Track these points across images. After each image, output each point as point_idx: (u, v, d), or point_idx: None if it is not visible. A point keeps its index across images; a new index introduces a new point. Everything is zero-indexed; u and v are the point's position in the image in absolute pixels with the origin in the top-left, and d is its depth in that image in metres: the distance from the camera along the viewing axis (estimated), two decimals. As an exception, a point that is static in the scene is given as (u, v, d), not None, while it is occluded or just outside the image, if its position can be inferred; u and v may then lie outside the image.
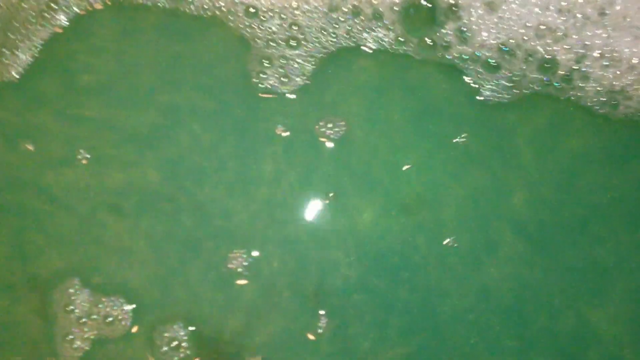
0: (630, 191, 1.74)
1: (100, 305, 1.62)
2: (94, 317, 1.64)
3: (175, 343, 1.66)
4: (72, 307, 1.63)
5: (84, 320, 1.63)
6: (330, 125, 1.75)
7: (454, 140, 1.75)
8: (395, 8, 1.78)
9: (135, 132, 1.74)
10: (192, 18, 1.79)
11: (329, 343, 1.69)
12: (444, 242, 1.72)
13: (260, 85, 1.75)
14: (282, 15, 1.79)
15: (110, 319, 1.62)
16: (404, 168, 1.72)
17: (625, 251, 1.73)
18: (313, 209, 1.73)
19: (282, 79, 1.77)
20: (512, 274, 1.72)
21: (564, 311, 1.71)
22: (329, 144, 1.74)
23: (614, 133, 1.77)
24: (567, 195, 1.75)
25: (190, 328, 1.68)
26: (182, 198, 1.72)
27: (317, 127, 1.75)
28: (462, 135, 1.73)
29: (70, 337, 1.64)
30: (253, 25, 1.79)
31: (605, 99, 1.75)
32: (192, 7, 1.80)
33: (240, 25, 1.79)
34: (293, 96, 1.76)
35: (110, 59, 1.77)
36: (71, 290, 1.64)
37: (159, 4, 1.79)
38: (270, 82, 1.77)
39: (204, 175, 1.75)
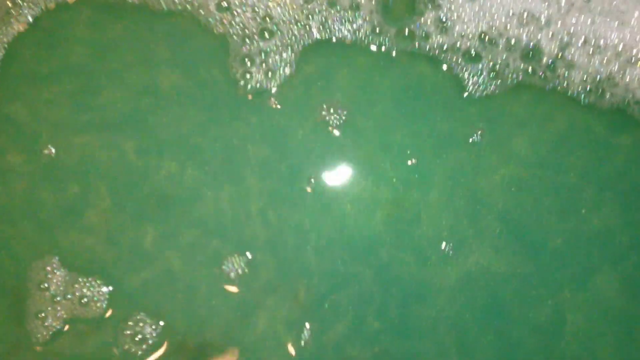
0: (616, 180, 1.71)
1: (76, 286, 1.59)
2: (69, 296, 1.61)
3: (140, 336, 1.62)
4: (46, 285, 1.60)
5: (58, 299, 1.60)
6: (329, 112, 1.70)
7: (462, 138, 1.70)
8: (374, -1, 1.73)
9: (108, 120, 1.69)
10: (163, 14, 1.71)
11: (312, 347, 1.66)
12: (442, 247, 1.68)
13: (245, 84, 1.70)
14: (255, 9, 1.73)
15: (85, 299, 1.59)
16: (409, 163, 1.68)
17: (610, 242, 1.70)
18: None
19: (268, 73, 1.71)
20: (495, 260, 1.68)
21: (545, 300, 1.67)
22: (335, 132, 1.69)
23: (600, 122, 1.73)
24: (553, 187, 1.71)
25: (161, 323, 1.64)
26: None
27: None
28: (478, 133, 1.68)
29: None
30: (224, 21, 1.73)
31: (591, 87, 1.70)
32: (161, 1, 1.73)
33: (211, 21, 1.73)
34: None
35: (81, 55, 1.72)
36: (48, 269, 1.60)
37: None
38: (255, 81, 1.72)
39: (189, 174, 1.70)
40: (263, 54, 1.73)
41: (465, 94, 1.72)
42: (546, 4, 1.73)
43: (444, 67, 1.73)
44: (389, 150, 1.71)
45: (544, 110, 1.74)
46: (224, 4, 1.74)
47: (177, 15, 1.74)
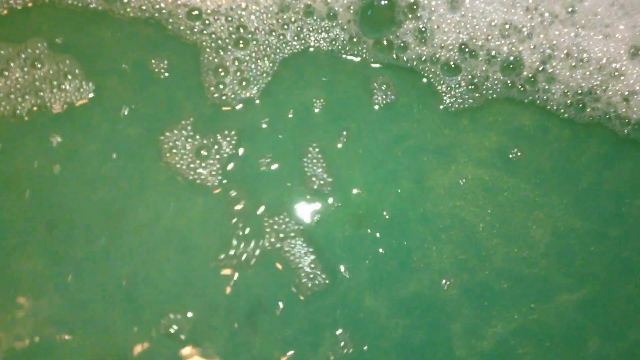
0: (592, 191, 1.69)
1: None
2: None
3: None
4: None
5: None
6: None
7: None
8: (352, 8, 1.67)
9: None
10: (130, 21, 1.65)
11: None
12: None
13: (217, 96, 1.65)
14: (229, 17, 1.67)
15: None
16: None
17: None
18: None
19: (242, 83, 1.66)
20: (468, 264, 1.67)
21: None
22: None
23: (578, 138, 1.71)
24: (532, 201, 1.69)
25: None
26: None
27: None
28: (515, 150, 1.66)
29: None
30: (195, 29, 1.67)
31: (571, 102, 1.67)
32: (127, 8, 1.66)
33: (182, 28, 1.67)
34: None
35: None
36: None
37: (91, 5, 1.66)
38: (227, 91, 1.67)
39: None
40: (237, 63, 1.67)
41: (442, 107, 1.68)
42: (529, 16, 1.68)
43: (423, 79, 1.68)
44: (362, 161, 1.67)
45: (520, 123, 1.70)
46: (195, 12, 1.67)
47: (144, 22, 1.67)
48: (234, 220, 1.63)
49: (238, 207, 1.64)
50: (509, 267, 1.66)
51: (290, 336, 1.61)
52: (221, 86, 1.67)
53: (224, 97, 1.67)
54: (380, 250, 1.65)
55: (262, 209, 1.65)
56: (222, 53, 1.67)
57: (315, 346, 1.61)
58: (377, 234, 1.66)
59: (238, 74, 1.67)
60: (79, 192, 1.61)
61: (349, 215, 1.66)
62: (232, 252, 1.64)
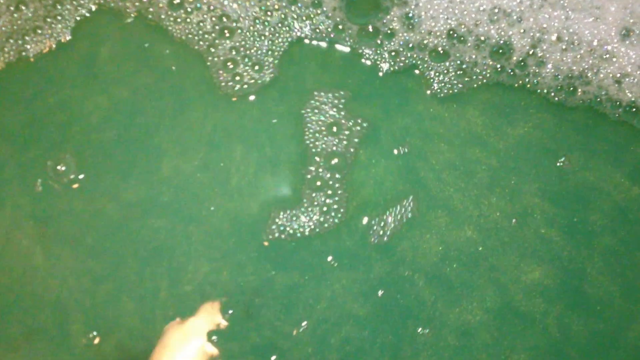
0: (585, 179, 1.66)
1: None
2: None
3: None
4: None
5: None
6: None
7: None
8: (337, -6, 1.65)
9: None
10: (111, 13, 1.62)
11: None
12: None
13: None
14: (211, 7, 1.64)
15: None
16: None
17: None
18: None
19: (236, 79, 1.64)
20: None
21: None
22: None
23: (569, 121, 1.68)
24: (523, 186, 1.67)
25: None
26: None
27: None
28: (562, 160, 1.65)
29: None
30: (179, 20, 1.64)
31: (561, 85, 1.64)
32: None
33: (163, 17, 1.64)
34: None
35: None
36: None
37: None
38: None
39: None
40: (224, 53, 1.65)
41: (429, 92, 1.65)
42: (518, 0, 1.66)
43: (409, 64, 1.66)
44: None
45: (512, 109, 1.68)
46: (176, 1, 1.64)
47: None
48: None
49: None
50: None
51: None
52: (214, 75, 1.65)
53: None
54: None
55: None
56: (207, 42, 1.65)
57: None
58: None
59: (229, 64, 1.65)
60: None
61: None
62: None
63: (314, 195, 1.63)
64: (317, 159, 1.63)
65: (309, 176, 1.62)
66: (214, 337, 1.54)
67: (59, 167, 1.59)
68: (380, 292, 1.63)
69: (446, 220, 1.64)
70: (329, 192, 1.62)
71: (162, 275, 1.60)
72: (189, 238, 1.61)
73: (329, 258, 1.61)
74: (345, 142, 1.64)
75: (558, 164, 1.66)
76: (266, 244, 1.61)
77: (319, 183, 1.63)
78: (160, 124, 1.65)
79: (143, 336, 1.58)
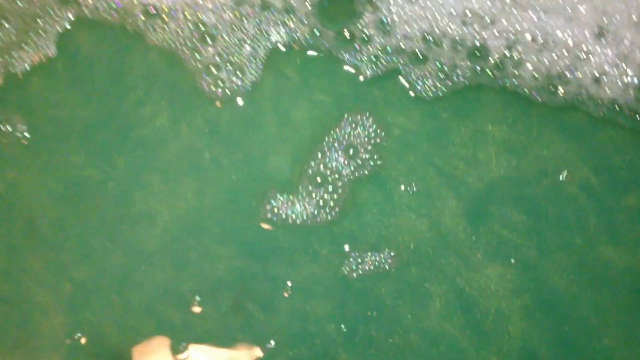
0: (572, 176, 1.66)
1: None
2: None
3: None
4: None
5: None
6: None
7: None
8: (308, 0, 1.68)
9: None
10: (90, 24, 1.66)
11: None
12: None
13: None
14: (186, 14, 1.67)
15: None
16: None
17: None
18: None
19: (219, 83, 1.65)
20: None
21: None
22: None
23: (553, 121, 1.69)
24: (509, 189, 1.66)
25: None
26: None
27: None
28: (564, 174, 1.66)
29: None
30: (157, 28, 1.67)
31: (542, 85, 1.65)
32: (84, 9, 1.67)
33: (141, 27, 1.67)
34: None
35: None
36: None
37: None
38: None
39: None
40: (204, 60, 1.66)
41: (414, 96, 1.66)
42: (489, 3, 1.69)
43: (391, 68, 1.67)
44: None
45: (497, 109, 1.68)
46: (152, 10, 1.68)
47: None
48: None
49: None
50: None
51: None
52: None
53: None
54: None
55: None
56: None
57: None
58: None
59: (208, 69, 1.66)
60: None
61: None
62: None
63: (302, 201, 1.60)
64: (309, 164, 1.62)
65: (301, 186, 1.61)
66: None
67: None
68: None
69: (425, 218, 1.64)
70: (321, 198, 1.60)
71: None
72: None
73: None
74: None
75: (560, 178, 1.65)
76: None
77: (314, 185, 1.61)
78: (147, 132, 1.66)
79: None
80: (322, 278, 1.62)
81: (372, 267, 1.62)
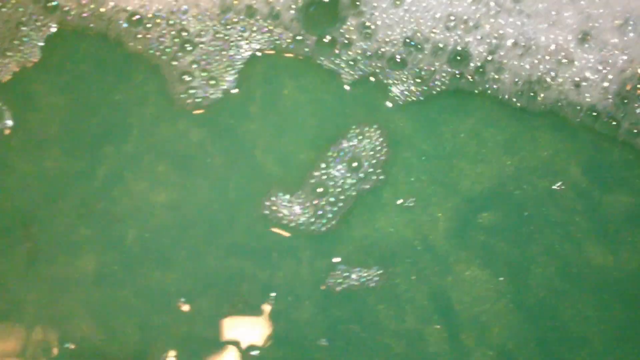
0: (550, 182, 1.68)
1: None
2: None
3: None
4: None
5: None
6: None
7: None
8: (293, 6, 1.67)
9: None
10: (73, 32, 1.67)
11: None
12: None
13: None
14: (170, 21, 1.68)
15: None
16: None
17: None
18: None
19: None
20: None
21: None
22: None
23: (533, 125, 1.70)
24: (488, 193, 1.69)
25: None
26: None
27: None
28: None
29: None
30: (139, 35, 1.68)
31: (521, 91, 1.66)
32: (68, 17, 1.67)
33: (123, 34, 1.68)
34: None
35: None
36: None
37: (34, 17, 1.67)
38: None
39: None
40: (184, 67, 1.68)
41: (390, 102, 1.68)
42: (474, 7, 1.69)
43: (368, 72, 1.68)
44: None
45: (472, 114, 1.70)
46: (136, 17, 1.68)
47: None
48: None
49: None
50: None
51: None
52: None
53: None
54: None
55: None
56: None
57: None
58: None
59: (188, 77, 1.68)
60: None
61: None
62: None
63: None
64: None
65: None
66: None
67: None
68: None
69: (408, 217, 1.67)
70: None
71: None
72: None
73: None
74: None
75: (554, 187, 1.67)
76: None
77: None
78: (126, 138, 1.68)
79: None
80: (306, 286, 1.65)
81: (358, 284, 1.65)
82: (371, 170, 1.68)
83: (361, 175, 1.67)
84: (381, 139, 1.68)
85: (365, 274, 1.64)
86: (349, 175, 1.67)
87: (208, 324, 1.61)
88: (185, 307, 1.62)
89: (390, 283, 1.64)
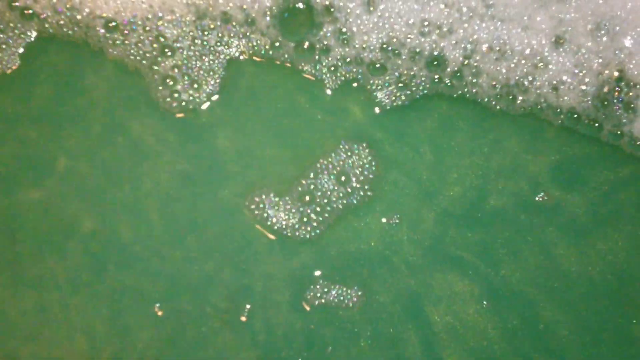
0: (531, 183, 1.68)
1: None
2: None
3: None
4: None
5: None
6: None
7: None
8: (268, 12, 1.70)
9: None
10: (52, 39, 1.68)
11: None
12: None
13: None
14: (146, 27, 1.70)
15: None
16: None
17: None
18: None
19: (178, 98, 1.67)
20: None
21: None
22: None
23: (511, 129, 1.70)
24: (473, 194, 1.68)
25: None
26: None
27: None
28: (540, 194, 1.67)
29: None
30: (117, 42, 1.70)
31: (500, 94, 1.66)
32: (46, 24, 1.69)
33: (101, 40, 1.69)
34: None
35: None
36: None
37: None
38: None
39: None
40: (164, 72, 1.69)
41: (376, 106, 1.67)
42: (446, 13, 1.71)
43: (349, 78, 1.69)
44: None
45: (454, 119, 1.70)
46: (112, 24, 1.70)
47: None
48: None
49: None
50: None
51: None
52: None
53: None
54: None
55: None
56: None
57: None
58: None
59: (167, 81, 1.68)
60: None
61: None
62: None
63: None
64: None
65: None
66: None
67: None
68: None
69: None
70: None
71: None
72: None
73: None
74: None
75: (537, 199, 1.66)
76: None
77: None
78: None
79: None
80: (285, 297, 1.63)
81: (336, 300, 1.64)
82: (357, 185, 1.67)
83: (349, 190, 1.65)
84: (367, 152, 1.69)
85: (344, 292, 1.63)
86: (337, 188, 1.66)
87: (182, 330, 1.59)
88: (160, 313, 1.60)
89: (368, 301, 1.63)
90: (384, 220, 1.65)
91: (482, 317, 1.63)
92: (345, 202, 1.64)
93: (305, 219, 1.64)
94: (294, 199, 1.64)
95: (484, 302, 1.64)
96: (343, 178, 1.65)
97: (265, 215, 1.65)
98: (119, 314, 1.61)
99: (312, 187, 1.64)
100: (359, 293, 1.62)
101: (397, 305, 1.63)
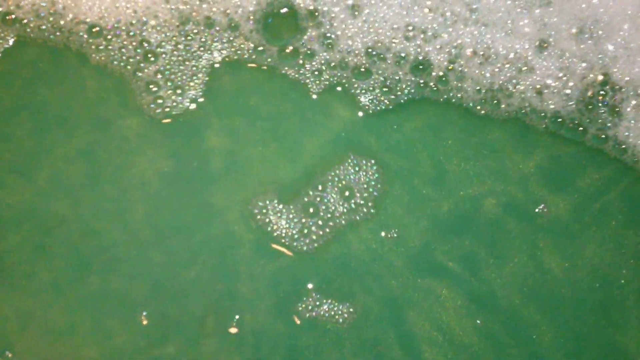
0: (517, 190, 1.68)
1: None
2: None
3: None
4: None
5: None
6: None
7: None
8: (252, 17, 1.70)
9: None
10: (33, 43, 1.68)
11: None
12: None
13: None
14: (130, 33, 1.69)
15: None
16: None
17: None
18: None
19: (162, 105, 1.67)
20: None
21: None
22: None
23: (499, 132, 1.70)
24: (455, 199, 1.67)
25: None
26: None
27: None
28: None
29: None
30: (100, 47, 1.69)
31: (485, 98, 1.67)
32: (27, 29, 1.69)
33: (84, 46, 1.69)
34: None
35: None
36: None
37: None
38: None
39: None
40: (147, 77, 1.68)
41: (360, 110, 1.68)
42: (430, 17, 1.72)
43: (334, 82, 1.69)
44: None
45: (440, 123, 1.70)
46: (96, 29, 1.69)
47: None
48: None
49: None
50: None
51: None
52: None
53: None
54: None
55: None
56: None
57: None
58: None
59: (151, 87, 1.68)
60: None
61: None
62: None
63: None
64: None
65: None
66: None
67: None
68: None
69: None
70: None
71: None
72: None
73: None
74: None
75: (537, 210, 1.66)
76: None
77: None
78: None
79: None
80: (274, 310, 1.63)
81: (326, 315, 1.63)
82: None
83: (353, 205, 1.65)
84: (374, 170, 1.68)
85: (335, 307, 1.62)
86: (340, 201, 1.65)
87: (166, 334, 1.59)
88: (145, 322, 1.59)
89: (359, 319, 1.62)
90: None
91: (466, 324, 1.62)
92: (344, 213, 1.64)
93: (305, 227, 1.63)
94: (295, 205, 1.63)
95: (464, 304, 1.63)
96: (347, 193, 1.64)
97: (259, 221, 1.64)
98: (102, 317, 1.59)
99: (311, 194, 1.64)
100: (351, 310, 1.61)
101: (387, 333, 1.63)
